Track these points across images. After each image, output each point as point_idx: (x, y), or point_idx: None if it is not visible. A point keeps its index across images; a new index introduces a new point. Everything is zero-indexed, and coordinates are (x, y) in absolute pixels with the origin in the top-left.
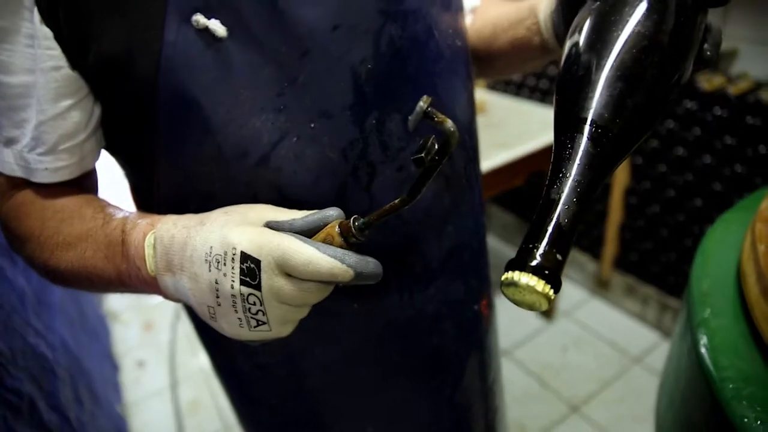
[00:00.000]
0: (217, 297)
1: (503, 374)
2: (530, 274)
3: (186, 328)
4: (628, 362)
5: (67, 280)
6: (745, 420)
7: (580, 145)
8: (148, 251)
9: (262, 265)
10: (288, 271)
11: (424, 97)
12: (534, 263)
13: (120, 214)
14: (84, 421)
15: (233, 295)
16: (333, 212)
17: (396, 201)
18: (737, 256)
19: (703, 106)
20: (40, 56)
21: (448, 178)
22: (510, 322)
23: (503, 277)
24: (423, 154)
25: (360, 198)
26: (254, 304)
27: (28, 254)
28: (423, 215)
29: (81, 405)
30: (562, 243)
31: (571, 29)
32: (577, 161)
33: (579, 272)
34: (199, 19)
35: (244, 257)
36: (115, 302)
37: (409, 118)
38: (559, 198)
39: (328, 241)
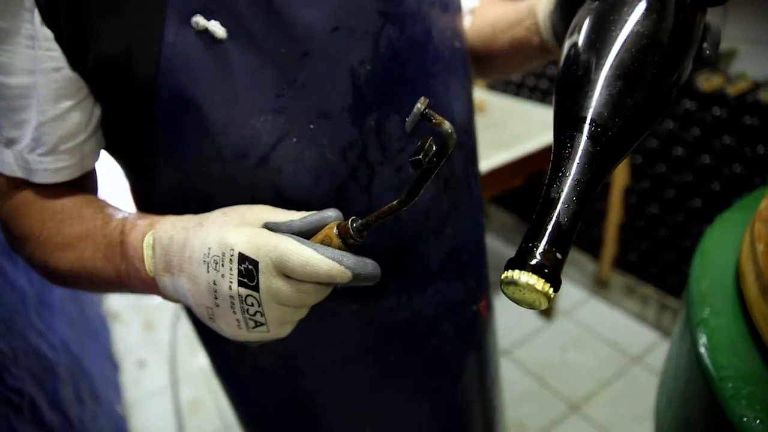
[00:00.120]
0: (216, 298)
1: (503, 374)
2: (530, 273)
3: (186, 328)
4: (627, 362)
5: (67, 280)
6: (744, 419)
7: (579, 144)
8: (147, 252)
9: (260, 266)
10: (286, 273)
11: (422, 99)
12: (534, 262)
13: (119, 215)
14: (85, 421)
15: (231, 296)
16: (331, 213)
17: (394, 202)
18: (736, 255)
19: (702, 107)
20: (41, 57)
21: (447, 180)
22: (510, 321)
23: (503, 276)
24: (421, 156)
25: (359, 199)
26: (252, 305)
27: (28, 254)
28: (421, 217)
29: (82, 405)
30: (561, 242)
31: (570, 29)
32: (577, 160)
33: (578, 272)
34: (199, 20)
35: (242, 258)
36: (116, 302)
37: (407, 119)
38: (559, 197)
39: (326, 243)
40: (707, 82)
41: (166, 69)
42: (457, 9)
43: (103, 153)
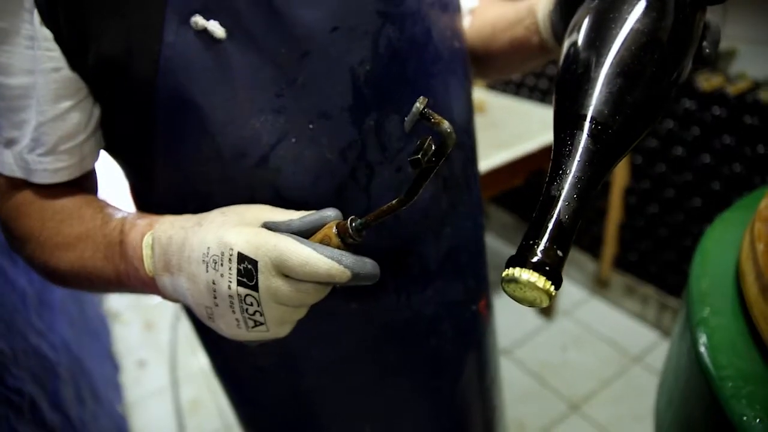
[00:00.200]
0: (215, 297)
1: (503, 373)
2: (531, 271)
3: (186, 328)
4: (627, 361)
5: (66, 280)
6: (744, 418)
7: (580, 142)
8: (146, 251)
9: (259, 265)
10: (285, 272)
11: (421, 98)
12: (535, 259)
13: (119, 215)
14: (85, 421)
15: (230, 296)
16: (330, 213)
17: (393, 202)
18: (736, 255)
19: (702, 106)
20: (40, 57)
21: (446, 180)
22: (510, 321)
23: (504, 274)
24: (420, 156)
25: (358, 199)
26: (251, 304)
27: (28, 254)
28: (421, 216)
29: (82, 404)
30: (562, 239)
31: (569, 28)
32: (577, 158)
33: (578, 272)
34: (198, 20)
35: (241, 258)
36: (116, 302)
37: (406, 119)
38: (560, 194)
39: (325, 242)
40: (707, 81)
41: (166, 69)
42: (457, 9)
43: (103, 153)
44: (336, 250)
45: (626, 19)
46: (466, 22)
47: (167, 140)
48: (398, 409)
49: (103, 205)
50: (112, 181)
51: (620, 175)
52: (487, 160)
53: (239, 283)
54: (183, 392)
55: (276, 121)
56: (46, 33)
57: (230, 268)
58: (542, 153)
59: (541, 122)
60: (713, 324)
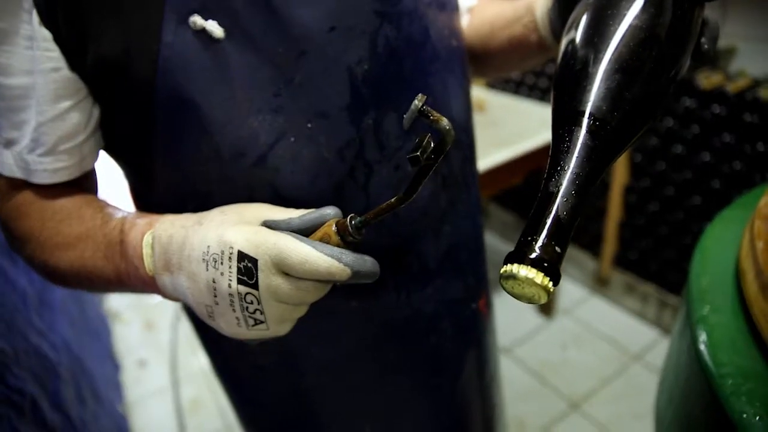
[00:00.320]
0: (215, 296)
1: (503, 372)
2: (529, 267)
3: (187, 328)
4: (627, 360)
5: (67, 280)
6: (744, 416)
7: (578, 138)
8: (146, 251)
9: (259, 264)
10: (285, 270)
11: (419, 96)
12: (533, 256)
13: (119, 214)
14: (86, 421)
15: (231, 294)
16: (330, 211)
17: (393, 199)
18: (736, 253)
19: (701, 104)
20: (39, 58)
21: (445, 178)
22: (510, 319)
23: (502, 270)
24: (419, 153)
25: (357, 197)
26: (252, 303)
27: (29, 254)
28: (420, 214)
29: (83, 404)
30: (560, 235)
31: (567, 25)
32: (576, 154)
33: (578, 270)
34: (197, 20)
35: (241, 256)
36: (116, 302)
37: (404, 116)
38: (558, 191)
39: (325, 240)
40: (707, 79)
41: (165, 69)
42: (455, 8)
43: (102, 153)
44: (336, 248)
45: (624, 15)
46: (465, 21)
47: (166, 140)
48: (398, 407)
49: (103, 205)
50: (112, 181)
51: (620, 173)
52: (487, 159)
53: (239, 282)
54: (183, 392)
55: (274, 120)
56: (45, 33)
57: (230, 267)
58: (542, 151)
59: (541, 121)
60: (713, 322)
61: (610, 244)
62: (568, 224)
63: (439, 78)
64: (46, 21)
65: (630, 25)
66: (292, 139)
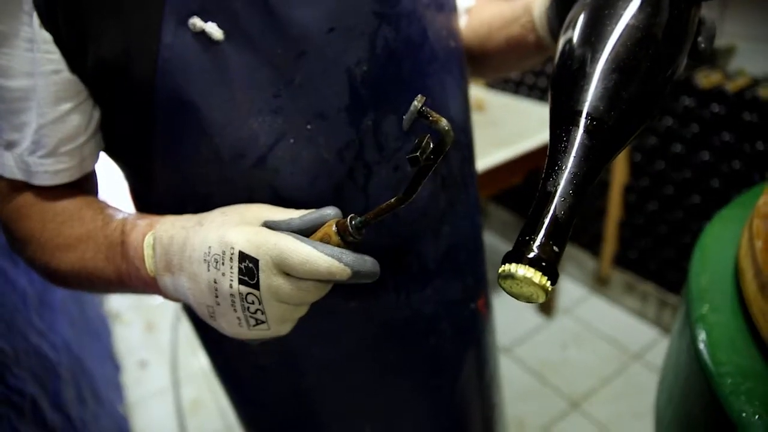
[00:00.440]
0: (216, 296)
1: (503, 372)
2: (527, 266)
3: (187, 329)
4: (627, 359)
5: (68, 281)
6: (744, 415)
7: (575, 138)
8: (148, 252)
9: (260, 264)
10: (286, 270)
11: (419, 97)
12: (531, 255)
13: (119, 216)
14: (86, 421)
15: (232, 295)
16: (330, 211)
17: (392, 200)
18: (735, 252)
19: (700, 103)
20: (40, 60)
21: (444, 178)
22: (510, 319)
23: (500, 270)
24: (418, 153)
25: (356, 198)
26: (253, 303)
27: (30, 256)
28: (419, 215)
29: (83, 405)
30: (558, 235)
31: (565, 24)
32: (573, 153)
33: (578, 269)
34: (196, 22)
35: (242, 257)
36: (117, 302)
37: (404, 117)
38: (556, 190)
39: (325, 240)
40: (706, 78)
41: (164, 70)
42: (453, 9)
43: (103, 154)
44: (336, 248)
45: (621, 15)
46: (463, 22)
47: (166, 141)
48: (398, 407)
49: (104, 206)
50: (112, 183)
51: (620, 172)
52: (487, 159)
53: (240, 282)
54: (184, 392)
55: (274, 121)
56: (46, 35)
57: (231, 267)
58: (541, 151)
59: (540, 120)
60: (712, 321)
61: (609, 244)
62: (566, 224)
63: (438, 79)
64: (47, 23)
65: (627, 25)
66: (292, 140)
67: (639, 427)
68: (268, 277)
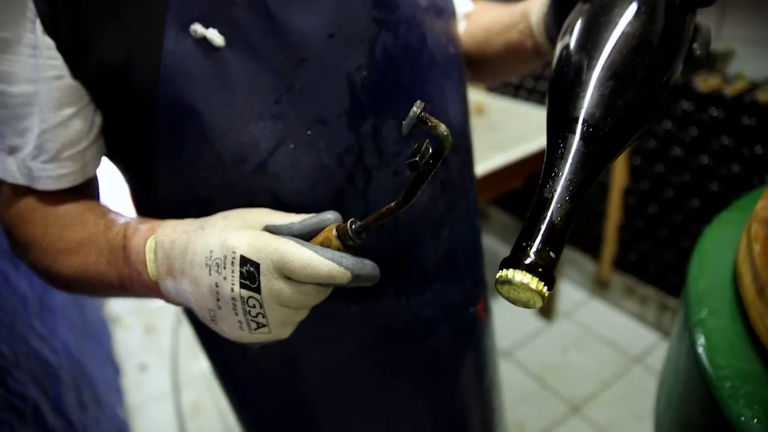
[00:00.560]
0: (218, 300)
1: (503, 375)
2: (524, 272)
3: (187, 332)
4: (627, 362)
5: (70, 285)
6: (742, 418)
7: (572, 145)
8: (149, 256)
9: (262, 268)
10: (287, 274)
11: (418, 102)
12: (528, 261)
13: (121, 220)
14: (87, 425)
15: (233, 298)
16: (330, 215)
17: (392, 204)
18: (734, 256)
19: (699, 107)
20: (43, 66)
21: (443, 183)
22: (510, 323)
23: (498, 275)
24: (417, 158)
25: (356, 203)
26: (254, 306)
27: (32, 260)
28: (418, 219)
29: (84, 409)
30: (555, 241)
31: (562, 31)
32: (570, 160)
33: (578, 273)
34: (197, 28)
35: (244, 261)
36: (117, 306)
37: (403, 122)
38: (552, 197)
39: (325, 244)
40: (705, 82)
41: (166, 76)
42: (452, 14)
43: (104, 159)
44: (336, 252)
45: (617, 22)
46: (462, 27)
47: (168, 146)
48: (398, 410)
49: (105, 211)
50: (114, 187)
51: (619, 175)
52: (487, 162)
53: (242, 286)
54: (184, 396)
55: (274, 127)
56: (48, 42)
57: (233, 271)
58: (541, 155)
59: (540, 124)
60: (711, 325)
61: (609, 247)
62: (563, 230)
63: (437, 84)
64: (49, 29)
65: (623, 33)
66: (292, 145)
67: (639, 430)
68: (269, 281)
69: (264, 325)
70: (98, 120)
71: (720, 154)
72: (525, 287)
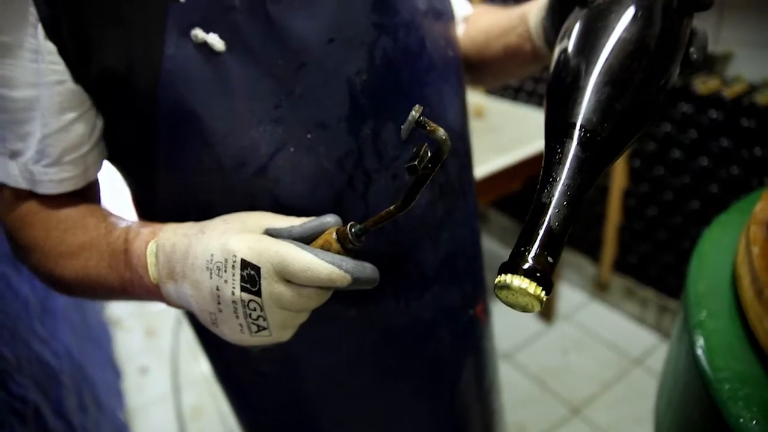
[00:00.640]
0: (219, 303)
1: (503, 378)
2: (522, 277)
3: (188, 334)
4: (628, 364)
5: (71, 288)
6: (741, 420)
7: (569, 150)
8: (150, 259)
9: (262, 271)
10: (287, 278)
11: (416, 107)
12: (526, 266)
13: (122, 224)
14: (88, 428)
15: (234, 302)
16: (330, 219)
17: (391, 207)
18: (733, 258)
19: (698, 109)
20: (44, 71)
21: (442, 186)
22: (510, 325)
23: (496, 280)
24: (416, 162)
25: (356, 206)
26: (255, 309)
27: (33, 264)
28: (417, 223)
29: (85, 412)
30: (553, 246)
31: (560, 35)
32: (567, 165)
33: (578, 275)
34: (198, 33)
35: (244, 264)
36: (117, 309)
37: (402, 127)
38: (550, 202)
39: (325, 248)
40: (704, 85)
41: (167, 81)
42: (450, 18)
43: (105, 163)
44: (336, 256)
45: (614, 27)
46: (460, 30)
47: (169, 150)
48: (398, 413)
49: (107, 215)
50: (115, 190)
51: (619, 178)
52: (486, 165)
53: (243, 289)
54: (185, 398)
55: (274, 131)
56: (50, 47)
57: (234, 275)
58: (541, 157)
59: (539, 127)
60: (710, 327)
61: (609, 249)
62: (560, 235)
63: (436, 88)
64: (51, 34)
65: (619, 38)
66: (292, 149)
67: None
68: (269, 284)
69: (264, 328)
70: (99, 124)
71: (719, 156)
72: (523, 292)
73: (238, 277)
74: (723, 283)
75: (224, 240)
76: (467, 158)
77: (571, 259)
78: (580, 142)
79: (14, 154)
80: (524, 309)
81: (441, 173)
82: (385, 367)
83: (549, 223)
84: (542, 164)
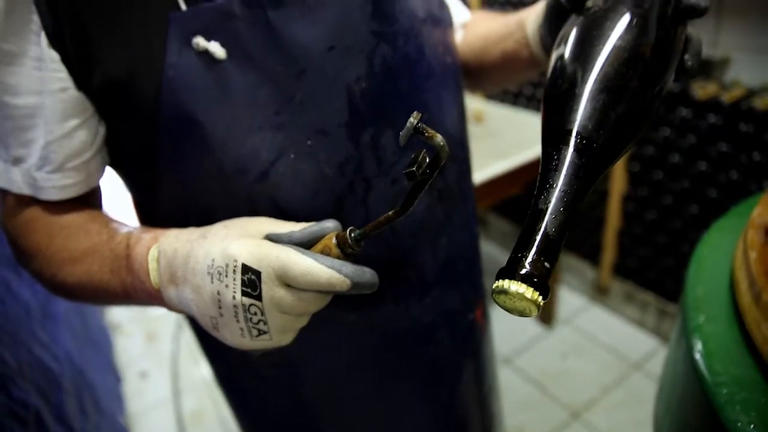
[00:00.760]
0: (220, 308)
1: (503, 382)
2: (519, 282)
3: (188, 339)
4: (627, 368)
5: (74, 294)
6: (739, 424)
7: (566, 157)
8: (152, 264)
9: (263, 276)
10: (288, 282)
11: (415, 113)
12: (523, 272)
13: (124, 229)
14: None
15: (235, 306)
16: (330, 224)
17: (390, 212)
18: (731, 262)
19: (697, 114)
20: (47, 78)
21: (441, 191)
22: (510, 329)
23: (494, 286)
24: (415, 168)
25: (356, 211)
26: (255, 314)
27: (36, 269)
28: (417, 228)
29: (85, 416)
30: (549, 251)
31: (556, 42)
32: (564, 172)
33: (578, 279)
34: (199, 41)
35: (245, 269)
36: (118, 314)
37: (400, 133)
38: (547, 208)
39: (325, 252)
40: (702, 89)
41: (168, 88)
42: (449, 25)
43: (108, 170)
44: (336, 260)
45: (609, 35)
46: (459, 37)
47: (170, 157)
48: (398, 416)
49: (109, 220)
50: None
51: (618, 182)
52: (486, 170)
53: (243, 293)
54: (185, 403)
55: (275, 138)
56: (53, 54)
57: (235, 279)
58: (539, 163)
59: (539, 132)
60: (708, 331)
61: (609, 253)
62: (557, 240)
63: (434, 94)
64: (54, 42)
65: (614, 46)
66: (293, 155)
67: None
68: (270, 289)
69: (265, 332)
70: (102, 131)
71: (718, 160)
72: (521, 297)
73: (239, 282)
74: (721, 287)
75: (225, 245)
76: (466, 164)
77: (570, 263)
78: (576, 149)
79: (17, 161)
80: (522, 313)
81: (439, 179)
82: (385, 370)
83: (546, 229)
84: (539, 171)
